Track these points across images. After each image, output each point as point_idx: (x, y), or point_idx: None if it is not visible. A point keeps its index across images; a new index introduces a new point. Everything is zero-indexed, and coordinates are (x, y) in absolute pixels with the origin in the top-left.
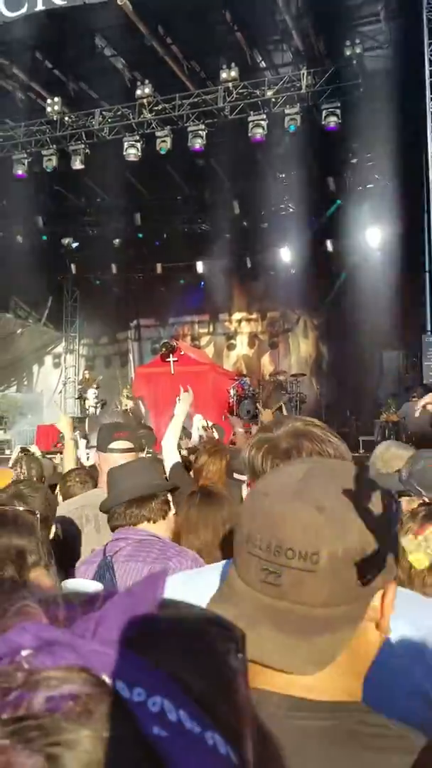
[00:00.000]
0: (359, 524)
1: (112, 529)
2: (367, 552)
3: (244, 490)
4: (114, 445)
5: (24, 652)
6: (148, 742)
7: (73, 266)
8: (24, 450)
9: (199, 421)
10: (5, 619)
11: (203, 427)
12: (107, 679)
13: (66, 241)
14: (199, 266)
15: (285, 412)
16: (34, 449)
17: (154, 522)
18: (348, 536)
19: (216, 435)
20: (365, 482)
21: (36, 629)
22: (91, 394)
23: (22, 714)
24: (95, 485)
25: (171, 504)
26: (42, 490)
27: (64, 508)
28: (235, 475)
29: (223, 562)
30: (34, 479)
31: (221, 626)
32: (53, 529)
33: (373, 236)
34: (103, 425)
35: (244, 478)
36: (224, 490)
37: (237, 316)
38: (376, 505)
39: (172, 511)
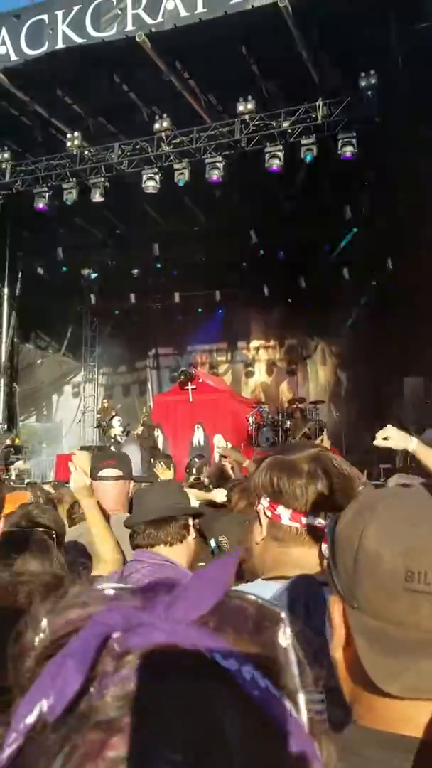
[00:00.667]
0: None
1: (133, 547)
2: None
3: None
4: (103, 473)
5: (115, 635)
6: (253, 705)
7: (92, 296)
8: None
9: (219, 441)
10: (90, 607)
11: (222, 447)
12: (205, 652)
13: (85, 272)
14: (217, 295)
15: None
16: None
17: (171, 545)
18: None
19: (237, 455)
20: None
21: (123, 612)
22: (116, 422)
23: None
24: None
25: (191, 529)
26: (50, 511)
27: (70, 535)
28: None
29: (258, 581)
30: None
31: (270, 608)
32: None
33: (390, 263)
34: (94, 455)
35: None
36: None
37: (255, 343)
38: None
39: (191, 536)
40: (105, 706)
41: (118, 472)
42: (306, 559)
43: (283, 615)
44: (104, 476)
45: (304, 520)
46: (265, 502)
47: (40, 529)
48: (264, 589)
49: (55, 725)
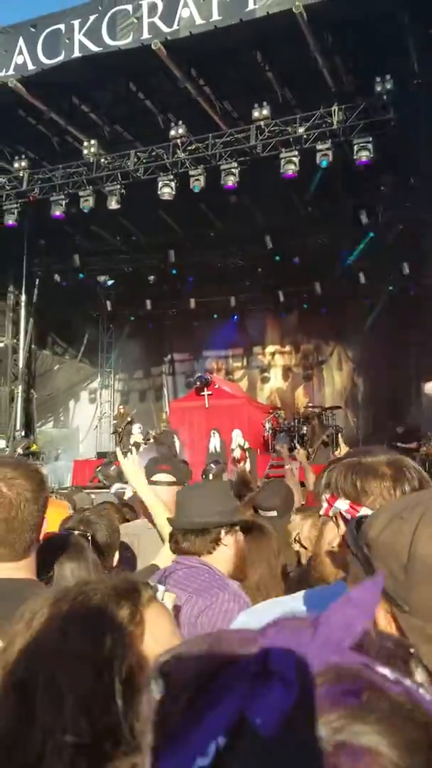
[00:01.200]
0: None
1: (172, 551)
2: None
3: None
4: (157, 477)
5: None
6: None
7: (108, 303)
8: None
9: (237, 437)
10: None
11: (240, 446)
12: (382, 671)
13: (102, 278)
14: (233, 300)
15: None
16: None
17: (200, 556)
18: None
19: (248, 458)
20: None
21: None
22: (137, 429)
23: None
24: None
25: (222, 541)
26: (106, 517)
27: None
28: (261, 512)
29: (298, 595)
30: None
31: (402, 641)
32: (116, 555)
33: (406, 267)
34: (149, 459)
35: (271, 514)
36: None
37: (270, 349)
38: None
39: (226, 546)
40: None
41: (172, 478)
42: None
43: (413, 650)
44: (158, 481)
45: None
46: (343, 504)
47: (76, 532)
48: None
49: (263, 743)
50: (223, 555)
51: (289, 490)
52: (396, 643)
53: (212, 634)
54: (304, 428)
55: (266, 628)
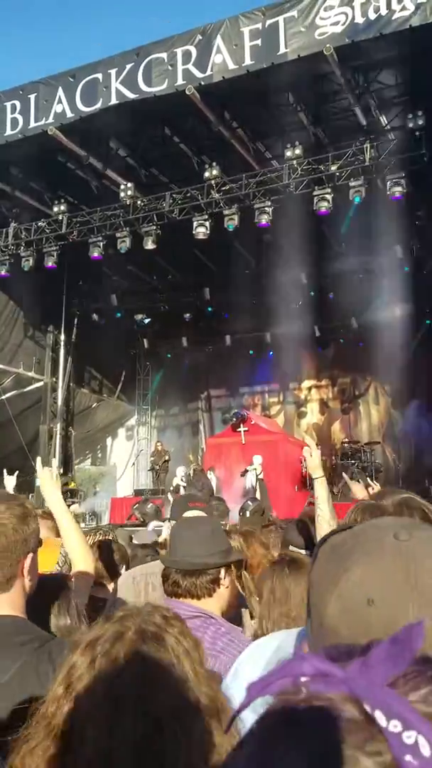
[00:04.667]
0: None
1: (165, 593)
2: None
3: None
4: (188, 513)
5: (303, 678)
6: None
7: (145, 341)
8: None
9: (257, 460)
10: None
11: (257, 475)
12: (368, 708)
13: (138, 317)
14: (268, 336)
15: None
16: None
17: (199, 599)
18: None
19: (258, 489)
20: None
21: (315, 661)
22: (180, 471)
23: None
24: None
25: (221, 581)
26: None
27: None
28: (291, 548)
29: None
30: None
31: None
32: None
33: None
34: (179, 497)
35: (299, 551)
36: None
37: (307, 383)
38: None
39: (223, 587)
40: None
41: (203, 514)
42: None
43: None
44: (189, 516)
45: None
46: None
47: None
48: None
49: None
50: (221, 596)
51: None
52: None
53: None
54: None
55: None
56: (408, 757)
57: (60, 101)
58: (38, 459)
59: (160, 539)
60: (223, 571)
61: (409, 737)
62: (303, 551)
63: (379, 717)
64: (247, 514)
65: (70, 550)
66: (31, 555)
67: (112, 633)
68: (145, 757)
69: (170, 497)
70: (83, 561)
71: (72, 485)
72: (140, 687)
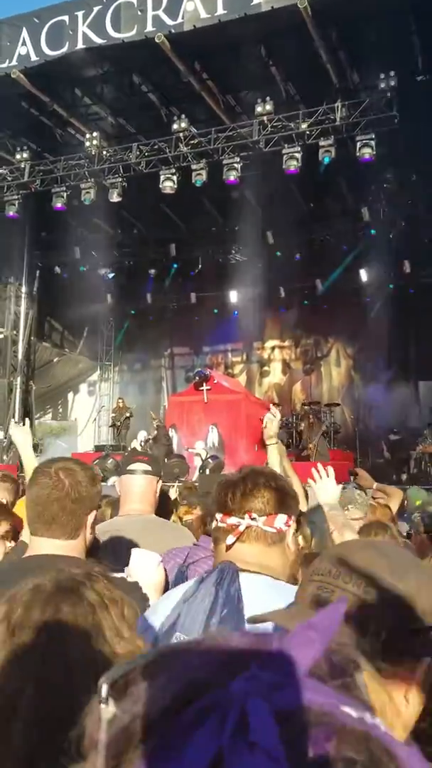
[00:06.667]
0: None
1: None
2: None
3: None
4: (133, 466)
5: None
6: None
7: (108, 296)
8: None
9: (214, 435)
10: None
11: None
12: (347, 710)
13: (102, 271)
14: (233, 296)
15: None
16: None
17: None
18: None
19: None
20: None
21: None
22: (142, 435)
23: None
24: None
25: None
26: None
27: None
28: None
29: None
30: None
31: (350, 651)
32: None
33: (408, 265)
34: (126, 453)
35: None
36: None
37: (270, 344)
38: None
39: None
40: None
41: (147, 467)
42: None
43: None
44: (133, 470)
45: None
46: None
47: None
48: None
49: None
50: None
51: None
52: (343, 658)
53: (182, 650)
54: (302, 425)
55: (238, 650)
56: (386, 738)
57: (24, 43)
58: (12, 421)
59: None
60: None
61: (380, 724)
62: None
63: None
64: (207, 471)
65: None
66: (94, 512)
67: (31, 585)
68: (55, 704)
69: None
70: None
71: (33, 440)
72: (51, 637)
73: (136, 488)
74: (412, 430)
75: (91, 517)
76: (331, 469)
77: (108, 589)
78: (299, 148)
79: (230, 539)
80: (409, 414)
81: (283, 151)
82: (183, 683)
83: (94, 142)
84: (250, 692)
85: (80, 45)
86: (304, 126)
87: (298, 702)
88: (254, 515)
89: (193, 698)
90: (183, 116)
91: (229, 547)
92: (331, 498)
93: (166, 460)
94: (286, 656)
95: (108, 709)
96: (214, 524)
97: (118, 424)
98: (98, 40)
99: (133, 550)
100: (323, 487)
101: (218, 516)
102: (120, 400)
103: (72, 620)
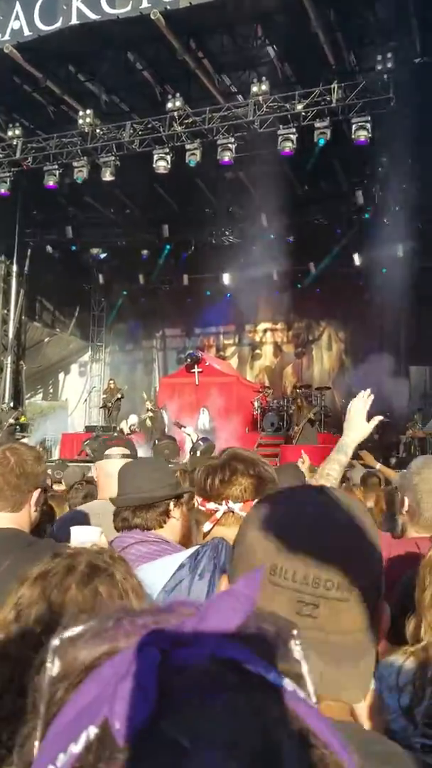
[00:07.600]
0: (378, 553)
1: (116, 529)
2: (381, 578)
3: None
4: (110, 451)
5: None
6: (298, 717)
7: (100, 276)
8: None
9: (205, 417)
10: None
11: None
12: (250, 667)
13: (94, 251)
14: (226, 278)
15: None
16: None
17: (149, 530)
18: (375, 565)
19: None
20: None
21: (165, 630)
22: (133, 418)
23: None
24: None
25: (171, 513)
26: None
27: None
28: None
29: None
30: None
31: (284, 621)
32: None
33: (401, 249)
34: (101, 439)
35: None
36: None
37: (262, 326)
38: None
39: (174, 519)
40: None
41: (125, 451)
42: None
43: (295, 632)
44: (110, 454)
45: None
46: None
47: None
48: None
49: (121, 750)
50: (173, 527)
51: (301, 476)
52: (276, 625)
53: (109, 620)
54: (292, 408)
55: (146, 614)
56: (301, 706)
57: (17, 17)
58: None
59: (89, 475)
60: (172, 503)
61: (289, 684)
62: None
63: (264, 673)
64: (198, 453)
65: None
66: (39, 491)
67: (63, 566)
68: None
69: None
70: None
71: (23, 419)
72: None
73: (114, 474)
74: (402, 415)
75: (35, 495)
76: (370, 393)
77: (129, 574)
78: (294, 130)
79: (207, 526)
80: (400, 398)
81: (278, 132)
82: (109, 645)
83: (88, 119)
84: (148, 643)
85: (74, 20)
86: (299, 107)
87: (197, 658)
88: (231, 503)
89: (114, 654)
90: (177, 95)
91: (206, 534)
92: (360, 434)
93: (156, 441)
94: (202, 621)
95: (53, 668)
96: (195, 507)
97: (109, 405)
98: (92, 16)
99: (72, 528)
100: (358, 420)
101: (198, 500)
102: (111, 381)
103: (109, 600)
